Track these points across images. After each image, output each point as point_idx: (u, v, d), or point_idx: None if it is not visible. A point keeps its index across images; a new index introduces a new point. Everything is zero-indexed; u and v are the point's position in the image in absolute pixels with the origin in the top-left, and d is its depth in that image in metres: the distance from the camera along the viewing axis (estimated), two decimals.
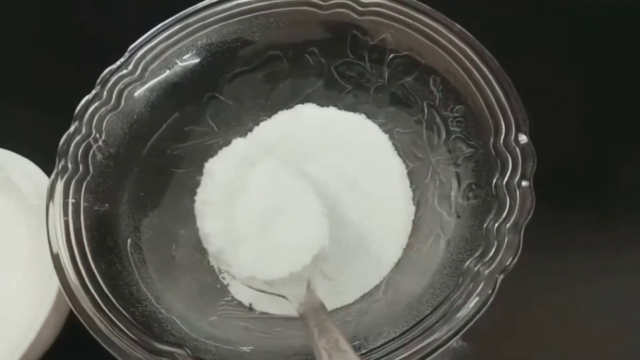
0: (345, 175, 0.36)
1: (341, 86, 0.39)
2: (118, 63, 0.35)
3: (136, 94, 0.35)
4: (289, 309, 0.33)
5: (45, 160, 0.36)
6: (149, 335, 0.28)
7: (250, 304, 0.34)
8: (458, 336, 0.26)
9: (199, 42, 0.36)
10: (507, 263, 0.27)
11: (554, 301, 0.36)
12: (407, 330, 0.27)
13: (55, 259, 0.29)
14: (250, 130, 0.40)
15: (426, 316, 0.27)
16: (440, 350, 0.26)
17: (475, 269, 0.28)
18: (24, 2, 0.52)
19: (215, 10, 0.36)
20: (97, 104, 0.34)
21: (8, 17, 0.52)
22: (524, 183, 0.29)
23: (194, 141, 0.38)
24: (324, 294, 0.33)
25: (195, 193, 0.37)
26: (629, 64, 0.45)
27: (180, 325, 0.30)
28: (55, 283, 0.32)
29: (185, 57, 0.36)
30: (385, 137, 0.38)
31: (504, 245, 0.28)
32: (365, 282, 0.34)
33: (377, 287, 0.34)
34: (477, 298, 0.26)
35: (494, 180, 0.30)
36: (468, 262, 0.28)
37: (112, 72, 0.34)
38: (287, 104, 0.40)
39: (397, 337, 0.27)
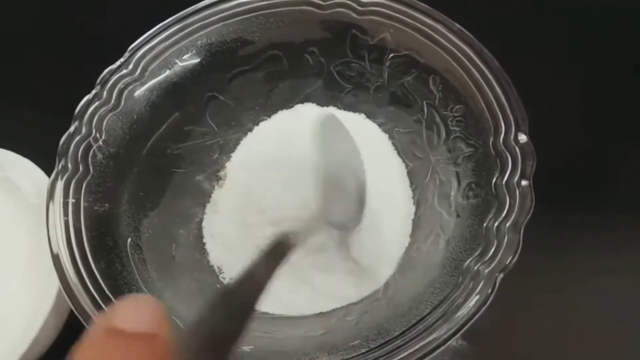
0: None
1: (341, 86, 0.39)
2: (118, 63, 0.35)
3: (136, 93, 0.35)
4: (288, 309, 0.33)
5: (46, 160, 0.36)
6: None
7: None
8: (458, 335, 0.26)
9: (199, 42, 0.36)
10: (507, 262, 0.27)
11: (553, 301, 0.36)
12: (407, 329, 0.27)
13: (55, 258, 0.29)
14: (250, 130, 0.40)
15: (426, 315, 0.27)
16: (440, 349, 0.26)
17: (475, 268, 0.28)
18: (24, 2, 0.52)
19: (215, 10, 0.36)
20: (97, 103, 0.34)
21: (8, 17, 0.52)
22: (524, 182, 0.29)
23: (194, 141, 0.38)
24: (325, 294, 0.33)
25: (195, 193, 0.38)
26: (629, 63, 0.45)
27: (180, 324, 0.30)
28: (55, 283, 0.32)
29: (185, 57, 0.36)
30: (385, 136, 0.38)
31: (504, 245, 0.28)
32: (368, 284, 0.34)
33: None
34: (476, 297, 0.26)
35: (494, 180, 0.30)
36: (468, 261, 0.28)
37: (112, 72, 0.34)
38: (287, 103, 0.40)
39: (397, 336, 0.27)
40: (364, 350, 0.27)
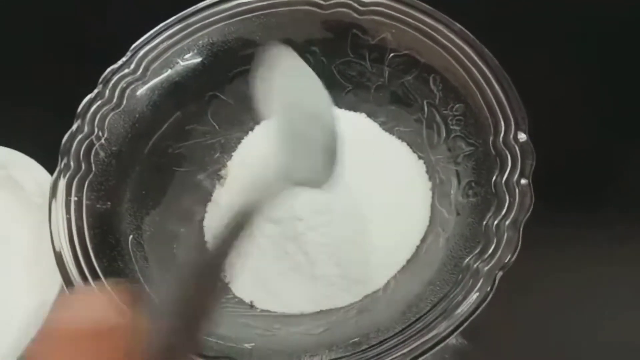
0: (345, 175, 0.36)
1: (342, 85, 0.39)
2: (120, 62, 0.35)
3: (138, 93, 0.35)
4: (289, 307, 0.34)
5: (48, 159, 0.36)
6: None
7: (252, 302, 0.34)
8: (457, 332, 0.26)
9: (201, 42, 0.37)
10: (506, 260, 0.27)
11: (553, 299, 0.36)
12: (407, 326, 0.27)
13: (58, 256, 0.29)
14: (252, 129, 0.40)
15: (426, 313, 0.27)
16: (440, 346, 0.26)
17: (475, 265, 0.28)
18: (25, 2, 0.52)
19: (217, 10, 0.37)
20: (99, 102, 0.34)
21: (9, 17, 0.52)
22: (523, 181, 0.29)
23: (196, 140, 0.38)
24: (325, 293, 0.34)
25: (195, 192, 0.38)
26: (629, 63, 0.45)
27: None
28: (57, 280, 0.32)
29: (187, 56, 0.37)
30: (386, 135, 0.38)
31: (503, 243, 0.28)
32: (370, 281, 0.34)
33: None
34: (476, 295, 0.27)
35: (494, 178, 0.30)
36: (467, 259, 0.28)
37: (114, 71, 0.35)
38: None
39: (397, 333, 0.27)
40: (364, 347, 0.27)
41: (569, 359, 0.35)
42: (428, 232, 0.34)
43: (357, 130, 0.39)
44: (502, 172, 0.30)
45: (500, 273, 0.27)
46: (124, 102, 0.34)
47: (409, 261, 0.34)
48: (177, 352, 0.19)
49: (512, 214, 0.28)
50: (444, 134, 0.35)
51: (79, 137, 0.33)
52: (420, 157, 0.37)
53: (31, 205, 0.38)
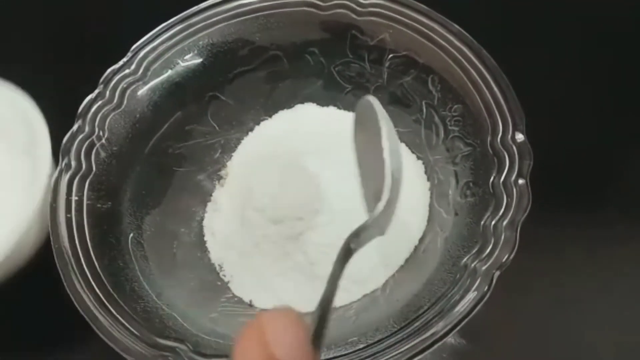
0: (346, 175, 0.36)
1: (341, 86, 0.39)
2: (121, 63, 0.35)
3: (138, 93, 0.35)
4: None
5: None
6: (151, 331, 0.28)
7: (251, 301, 0.34)
8: (455, 331, 0.26)
9: (201, 42, 0.37)
10: (504, 260, 0.27)
11: (552, 299, 0.36)
12: (405, 325, 0.27)
13: (59, 255, 0.30)
14: (251, 129, 0.40)
15: (424, 312, 0.27)
16: (437, 345, 0.26)
17: (472, 265, 0.28)
18: (26, 2, 0.52)
19: (217, 11, 0.37)
20: (100, 103, 0.34)
21: (11, 17, 0.52)
22: (521, 181, 0.29)
23: (196, 140, 0.38)
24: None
25: (195, 192, 0.38)
26: (629, 63, 0.45)
27: (180, 321, 0.30)
28: (41, 187, 0.33)
29: (187, 57, 0.37)
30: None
31: (501, 242, 0.28)
32: (369, 281, 0.34)
33: None
34: (473, 294, 0.27)
35: (491, 178, 0.30)
36: (465, 259, 0.29)
37: (115, 72, 0.35)
38: (288, 103, 0.40)
39: (395, 332, 0.27)
40: (362, 346, 0.27)
41: (567, 359, 0.35)
42: (426, 231, 0.34)
43: None
44: (499, 172, 0.30)
45: (498, 272, 0.27)
46: (125, 102, 0.35)
47: (407, 261, 0.34)
48: None
49: (510, 214, 0.29)
50: (442, 135, 0.35)
51: (80, 137, 0.33)
52: (418, 158, 0.37)
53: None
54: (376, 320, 0.29)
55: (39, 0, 0.53)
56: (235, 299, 0.35)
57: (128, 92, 0.35)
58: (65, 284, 0.29)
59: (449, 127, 0.34)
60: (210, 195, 0.39)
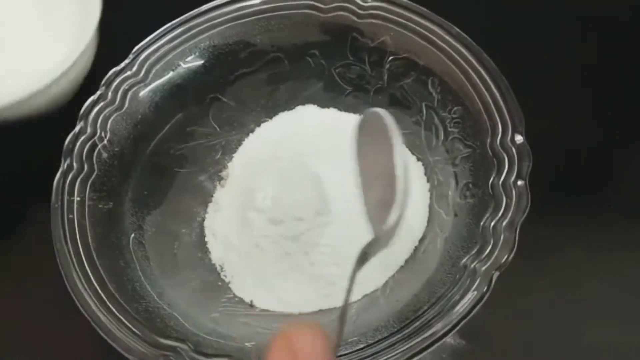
0: (346, 176, 0.37)
1: (341, 88, 0.39)
2: (123, 64, 0.35)
3: (140, 94, 0.35)
4: (289, 306, 0.34)
5: (51, 160, 0.36)
6: (152, 330, 0.28)
7: (251, 301, 0.34)
8: (454, 331, 0.26)
9: (202, 44, 0.37)
10: (503, 260, 0.28)
11: (551, 299, 0.36)
12: (405, 325, 0.27)
13: (61, 255, 0.30)
14: (252, 131, 0.40)
15: (423, 312, 0.27)
16: (436, 345, 0.26)
17: (472, 266, 0.28)
18: None
19: (218, 13, 0.37)
20: (102, 104, 0.34)
21: None
22: (520, 182, 0.29)
23: (197, 141, 0.39)
24: (325, 293, 0.34)
25: (197, 192, 0.38)
26: (628, 64, 0.45)
27: (181, 321, 0.30)
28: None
29: (189, 59, 0.37)
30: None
31: (500, 243, 0.28)
32: (369, 281, 0.34)
33: None
34: (473, 294, 0.27)
35: (491, 180, 0.30)
36: (465, 260, 0.29)
37: (117, 74, 0.35)
38: (288, 105, 0.40)
39: (395, 332, 0.27)
40: (362, 346, 0.27)
41: (567, 359, 0.35)
42: (426, 232, 0.35)
43: None
44: (499, 173, 0.30)
45: (497, 273, 0.27)
46: (127, 103, 0.35)
47: (407, 261, 0.34)
48: None
49: (509, 214, 0.29)
50: (442, 136, 0.35)
51: (82, 138, 0.33)
52: (418, 159, 0.37)
53: None
54: (376, 320, 0.29)
55: None
56: (236, 299, 0.35)
57: (130, 93, 0.35)
58: (67, 283, 0.29)
59: (449, 129, 0.34)
60: (211, 196, 0.39)
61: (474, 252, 0.29)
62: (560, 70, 0.44)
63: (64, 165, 0.32)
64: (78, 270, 0.29)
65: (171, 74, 0.37)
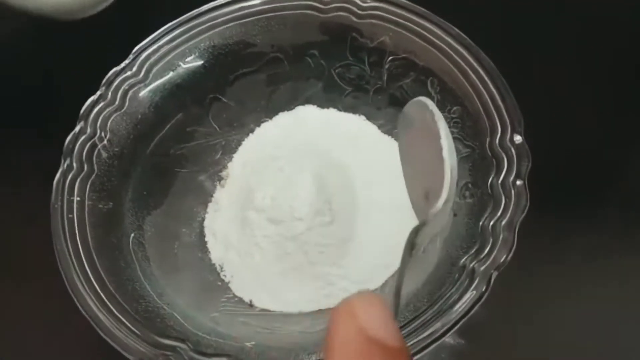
0: (346, 176, 0.37)
1: (341, 88, 0.39)
2: (122, 65, 0.35)
3: (140, 95, 0.36)
4: (288, 306, 0.34)
5: (51, 160, 0.36)
6: (152, 330, 0.28)
7: (251, 301, 0.35)
8: (453, 331, 0.26)
9: (202, 45, 0.37)
10: (502, 260, 0.28)
11: (550, 300, 0.36)
12: (404, 325, 0.27)
13: (61, 255, 0.30)
14: (252, 131, 0.40)
15: (422, 312, 0.27)
16: (435, 344, 0.26)
17: (471, 265, 0.28)
18: None
19: (218, 14, 0.37)
20: (102, 104, 0.34)
21: (11, 17, 0.52)
22: (519, 182, 0.29)
23: (197, 142, 0.39)
24: (325, 293, 0.34)
25: (197, 192, 0.38)
26: (628, 64, 0.45)
27: (181, 320, 0.30)
28: None
29: (189, 59, 0.37)
30: (385, 137, 0.39)
31: (499, 243, 0.28)
32: (369, 281, 0.34)
33: None
34: (471, 294, 0.27)
35: (490, 180, 0.30)
36: (464, 259, 0.29)
37: (117, 74, 0.35)
38: (288, 105, 0.40)
39: None
40: None
41: (566, 358, 0.35)
42: None
43: (356, 132, 0.39)
44: (498, 173, 0.30)
45: (496, 273, 0.27)
46: (127, 103, 0.35)
47: None
48: None
49: (508, 214, 0.29)
50: None
51: (82, 138, 0.33)
52: None
53: None
54: None
55: None
56: (236, 298, 0.35)
57: (130, 93, 0.35)
58: (67, 283, 0.29)
59: (449, 129, 0.34)
60: (211, 196, 0.39)
61: (473, 251, 0.29)
62: (559, 70, 0.44)
63: (63, 165, 0.32)
64: (78, 270, 0.29)
65: (171, 74, 0.37)
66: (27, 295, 0.38)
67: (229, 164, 0.40)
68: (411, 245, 0.24)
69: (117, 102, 0.35)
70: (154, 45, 0.36)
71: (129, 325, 0.28)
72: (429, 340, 0.26)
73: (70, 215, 0.31)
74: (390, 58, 0.36)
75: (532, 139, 0.31)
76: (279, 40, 0.38)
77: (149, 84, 0.36)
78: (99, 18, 0.51)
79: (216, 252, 0.37)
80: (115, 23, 0.51)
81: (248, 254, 0.35)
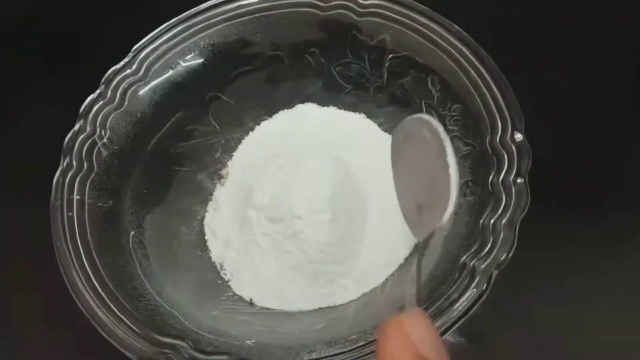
0: (346, 174, 0.37)
1: (341, 86, 0.39)
2: (122, 63, 0.35)
3: (140, 93, 0.35)
4: (288, 304, 0.34)
5: (51, 158, 0.36)
6: (152, 328, 0.28)
7: (251, 299, 0.34)
8: (453, 329, 0.26)
9: (202, 43, 0.37)
10: (502, 258, 0.27)
11: (551, 298, 0.36)
12: None
13: (61, 253, 0.30)
14: (252, 129, 0.40)
15: (423, 310, 0.27)
16: (441, 341, 0.26)
17: (471, 264, 0.28)
18: (27, 2, 0.53)
19: (218, 12, 0.37)
20: (101, 102, 0.34)
21: (11, 16, 0.53)
22: (519, 180, 0.29)
23: (197, 140, 0.39)
24: (325, 291, 0.34)
25: (196, 191, 0.38)
26: (628, 63, 0.45)
27: (181, 319, 0.30)
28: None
29: (188, 57, 0.37)
30: (385, 135, 0.39)
31: (499, 241, 0.28)
32: (369, 279, 0.34)
33: None
34: (472, 292, 0.27)
35: (490, 177, 0.30)
36: (464, 258, 0.29)
37: (117, 72, 0.35)
38: (288, 103, 0.40)
39: None
40: (362, 344, 0.27)
41: (566, 358, 0.35)
42: None
43: (356, 130, 0.39)
44: (498, 171, 0.30)
45: (496, 271, 0.27)
46: (126, 102, 0.35)
47: (407, 259, 0.34)
48: None
49: (509, 212, 0.29)
50: None
51: (82, 136, 0.33)
52: None
53: None
54: (376, 318, 0.29)
55: (41, 1, 0.53)
56: (236, 297, 0.35)
57: (129, 92, 0.35)
58: (67, 282, 0.29)
59: (449, 127, 0.34)
60: (211, 194, 0.39)
61: (473, 250, 0.29)
62: (560, 68, 0.44)
63: (63, 164, 0.32)
64: (78, 269, 0.29)
65: (171, 72, 0.37)
66: (27, 293, 0.38)
67: (229, 163, 0.40)
68: (420, 257, 0.26)
69: (116, 101, 0.34)
70: (154, 44, 0.36)
71: (128, 323, 0.28)
72: None
73: (70, 214, 0.31)
74: (390, 56, 0.36)
75: (533, 136, 0.30)
76: (279, 38, 0.38)
77: (149, 82, 0.36)
78: (98, 16, 0.51)
79: (216, 251, 0.37)
80: (114, 21, 0.51)
81: (248, 252, 0.35)
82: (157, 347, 0.28)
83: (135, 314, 0.29)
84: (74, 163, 0.32)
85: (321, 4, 0.36)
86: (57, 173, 0.32)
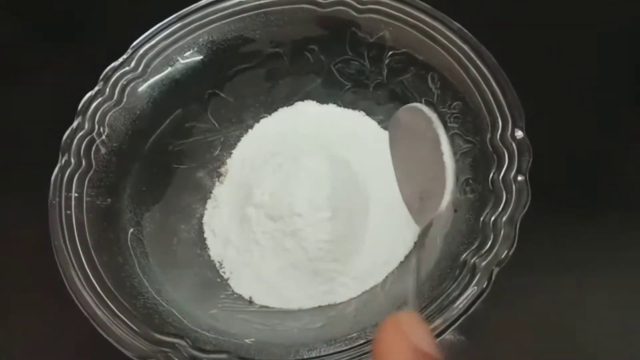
0: (346, 172, 0.36)
1: (341, 83, 0.39)
2: (121, 60, 0.35)
3: (138, 90, 0.35)
4: (288, 302, 0.34)
5: (49, 155, 0.36)
6: (151, 327, 0.28)
7: (250, 298, 0.34)
8: (454, 327, 0.26)
9: (201, 40, 0.37)
10: (503, 256, 0.27)
11: (551, 296, 0.36)
12: None
13: (59, 252, 0.30)
14: (251, 126, 0.40)
15: (423, 308, 0.27)
16: (437, 340, 0.26)
17: (472, 261, 0.28)
18: (26, 0, 0.53)
19: (217, 8, 0.37)
20: (100, 100, 0.34)
21: (11, 15, 0.52)
22: (520, 177, 0.29)
23: (196, 137, 0.39)
24: (324, 289, 0.34)
25: (195, 189, 0.38)
26: (629, 61, 0.45)
27: (180, 317, 0.30)
28: None
29: (187, 54, 0.37)
30: (385, 133, 0.39)
31: (500, 239, 0.28)
32: (369, 277, 0.34)
33: None
34: (472, 290, 0.27)
35: (491, 175, 0.30)
36: (465, 255, 0.29)
37: (115, 69, 0.35)
38: (287, 101, 0.40)
39: None
40: (361, 342, 0.27)
41: (567, 357, 0.35)
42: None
43: (356, 127, 0.39)
44: (499, 168, 0.30)
45: (497, 269, 0.27)
46: (125, 99, 0.35)
47: (407, 257, 0.34)
48: None
49: (509, 210, 0.29)
50: None
51: (80, 133, 0.33)
52: None
53: None
54: (376, 316, 0.29)
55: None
56: (235, 295, 0.35)
57: (128, 89, 0.35)
58: (65, 280, 0.29)
59: (449, 124, 0.34)
60: (210, 192, 0.39)
61: (474, 247, 0.29)
62: (561, 65, 0.44)
63: (61, 161, 0.32)
64: (76, 267, 0.29)
65: (170, 69, 0.36)
66: (25, 291, 0.38)
67: (228, 160, 0.40)
68: (421, 245, 0.27)
69: (115, 98, 0.34)
70: (152, 40, 0.36)
71: (127, 322, 0.28)
72: None
73: (68, 212, 0.31)
74: (390, 53, 0.36)
75: (533, 134, 0.30)
76: (278, 35, 0.38)
77: (147, 79, 0.36)
78: (97, 13, 0.51)
79: (215, 249, 0.36)
80: (112, 18, 0.50)
81: (247, 250, 0.35)
82: (156, 345, 0.27)
83: (134, 313, 0.29)
84: (72, 160, 0.32)
85: (321, 0, 0.36)
86: (56, 170, 0.32)
